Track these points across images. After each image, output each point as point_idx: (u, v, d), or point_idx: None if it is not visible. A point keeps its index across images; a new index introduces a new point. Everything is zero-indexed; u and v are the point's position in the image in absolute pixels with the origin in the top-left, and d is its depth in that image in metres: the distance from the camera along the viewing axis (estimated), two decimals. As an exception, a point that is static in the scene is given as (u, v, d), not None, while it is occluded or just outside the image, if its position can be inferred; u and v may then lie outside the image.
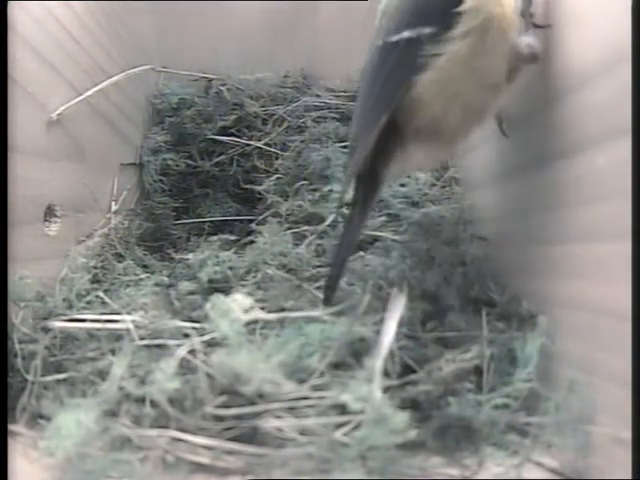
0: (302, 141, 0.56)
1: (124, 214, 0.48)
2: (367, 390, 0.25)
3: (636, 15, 0.23)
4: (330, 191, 0.47)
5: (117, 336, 0.31)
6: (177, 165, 0.56)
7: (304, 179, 0.52)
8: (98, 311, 0.33)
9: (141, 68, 0.52)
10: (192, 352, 0.29)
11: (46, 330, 0.32)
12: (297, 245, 0.43)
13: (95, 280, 0.39)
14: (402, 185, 0.47)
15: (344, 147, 0.54)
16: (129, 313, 0.32)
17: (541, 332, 0.30)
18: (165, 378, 0.26)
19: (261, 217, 0.51)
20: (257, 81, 0.60)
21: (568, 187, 0.29)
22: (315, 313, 0.31)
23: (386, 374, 0.27)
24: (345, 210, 0.42)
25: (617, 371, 0.23)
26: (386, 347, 0.27)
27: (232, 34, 0.62)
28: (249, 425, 0.26)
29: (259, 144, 0.58)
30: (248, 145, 0.58)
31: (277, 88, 0.61)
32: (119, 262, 0.43)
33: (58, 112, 0.39)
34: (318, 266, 0.41)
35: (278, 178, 0.53)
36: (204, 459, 0.26)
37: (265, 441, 0.26)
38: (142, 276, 0.41)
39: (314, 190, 0.49)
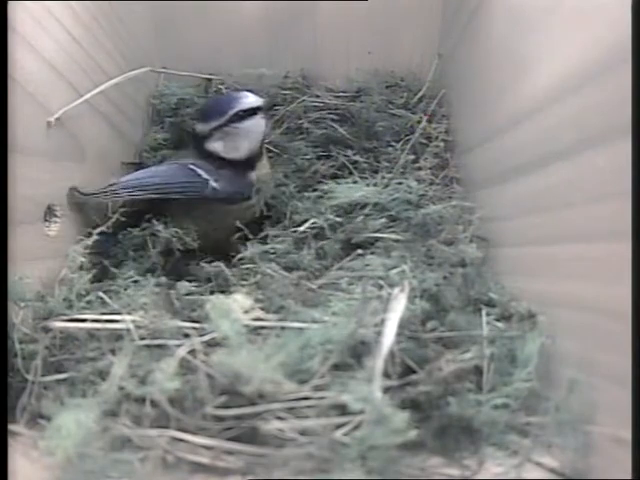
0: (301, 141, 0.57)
1: (122, 212, 0.48)
2: (367, 390, 0.25)
3: (636, 15, 0.23)
4: (327, 192, 0.47)
5: (117, 336, 0.31)
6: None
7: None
8: (98, 311, 0.33)
9: (142, 70, 0.52)
10: (192, 352, 0.29)
11: (46, 330, 0.32)
12: (298, 246, 0.43)
13: (95, 280, 0.39)
14: (399, 183, 0.47)
15: (342, 147, 0.55)
16: (129, 313, 0.32)
17: (541, 332, 0.30)
18: (165, 378, 0.27)
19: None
20: (260, 77, 0.60)
21: (568, 187, 0.29)
22: (316, 313, 0.31)
23: (386, 374, 0.27)
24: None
25: (617, 371, 0.23)
26: (386, 347, 0.27)
27: (232, 34, 0.62)
28: (249, 425, 0.26)
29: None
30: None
31: (277, 89, 0.61)
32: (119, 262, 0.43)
33: (57, 116, 0.39)
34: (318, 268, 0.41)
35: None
36: (204, 459, 0.26)
37: (265, 441, 0.26)
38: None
39: (314, 190, 0.49)
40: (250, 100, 0.47)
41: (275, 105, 0.59)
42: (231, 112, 0.46)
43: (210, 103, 0.50)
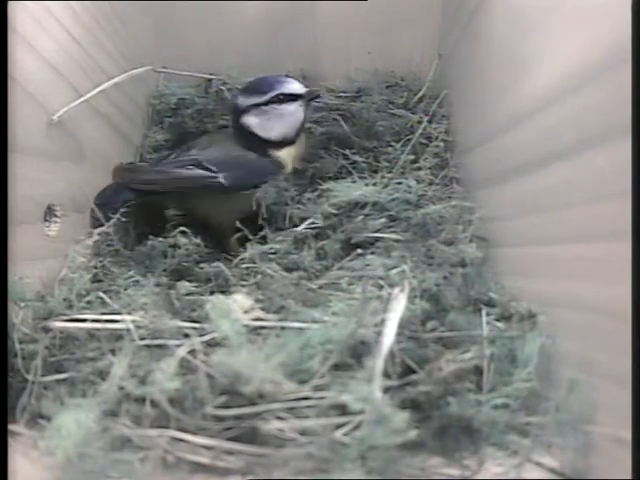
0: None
1: (122, 212, 0.48)
2: (367, 390, 0.25)
3: (636, 15, 0.23)
4: (327, 190, 0.47)
5: (117, 336, 0.31)
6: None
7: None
8: (98, 311, 0.33)
9: (142, 69, 0.51)
10: (192, 352, 0.29)
11: (46, 330, 0.32)
12: (298, 246, 0.43)
13: (95, 280, 0.39)
14: (399, 183, 0.47)
15: (342, 147, 0.55)
16: (129, 313, 0.32)
17: (541, 332, 0.30)
18: (165, 378, 0.27)
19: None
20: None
21: (568, 187, 0.29)
22: (316, 313, 0.31)
23: (386, 374, 0.27)
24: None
25: (617, 371, 0.24)
26: (386, 347, 0.27)
27: (232, 34, 0.62)
28: (249, 425, 0.26)
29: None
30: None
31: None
32: (119, 261, 0.43)
33: (59, 114, 0.39)
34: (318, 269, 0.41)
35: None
36: (204, 459, 0.26)
37: (265, 441, 0.26)
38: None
39: (313, 191, 0.49)
40: (294, 86, 0.48)
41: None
42: (273, 93, 0.47)
43: (255, 80, 0.51)
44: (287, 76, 0.50)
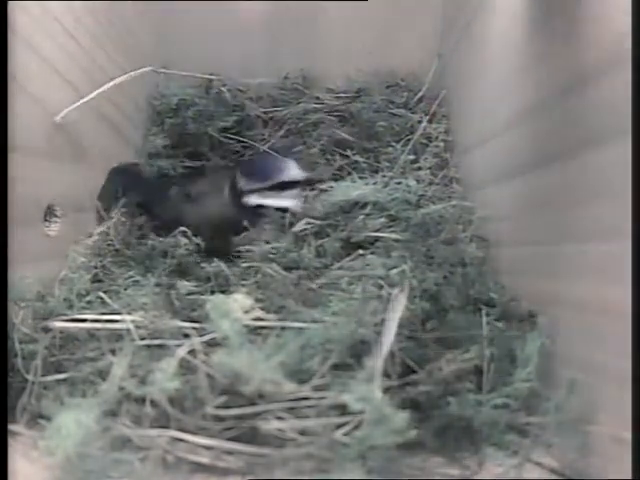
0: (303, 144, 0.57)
1: (122, 212, 0.48)
2: (367, 390, 0.25)
3: (636, 15, 0.23)
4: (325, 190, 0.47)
5: (117, 336, 0.31)
6: (175, 169, 0.57)
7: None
8: (98, 311, 0.33)
9: (143, 70, 0.51)
10: (192, 352, 0.29)
11: (46, 330, 0.32)
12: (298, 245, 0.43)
13: (95, 280, 0.39)
14: (399, 183, 0.47)
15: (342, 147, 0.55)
16: (129, 313, 0.32)
17: (541, 332, 0.30)
18: (165, 378, 0.26)
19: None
20: (259, 85, 0.60)
21: (568, 187, 0.29)
22: (316, 313, 0.31)
23: (386, 374, 0.27)
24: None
25: (617, 371, 0.23)
26: (386, 347, 0.27)
27: (232, 34, 0.62)
28: (249, 425, 0.26)
29: (261, 146, 0.58)
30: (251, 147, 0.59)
31: (278, 90, 0.61)
32: (119, 261, 0.43)
33: (62, 115, 0.39)
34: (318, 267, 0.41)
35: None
36: (204, 459, 0.26)
37: (265, 441, 0.26)
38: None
39: (312, 190, 0.49)
40: (294, 173, 0.50)
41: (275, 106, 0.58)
42: (274, 181, 0.50)
43: (256, 163, 0.54)
44: (287, 158, 0.52)
